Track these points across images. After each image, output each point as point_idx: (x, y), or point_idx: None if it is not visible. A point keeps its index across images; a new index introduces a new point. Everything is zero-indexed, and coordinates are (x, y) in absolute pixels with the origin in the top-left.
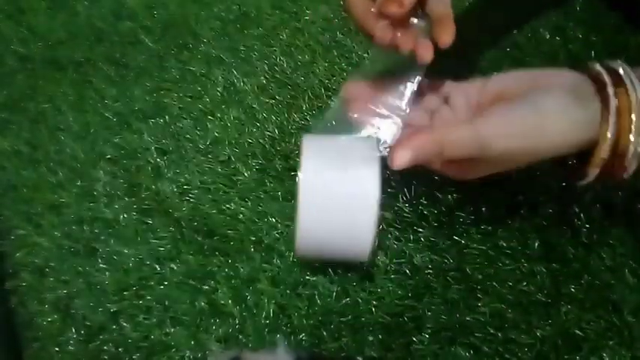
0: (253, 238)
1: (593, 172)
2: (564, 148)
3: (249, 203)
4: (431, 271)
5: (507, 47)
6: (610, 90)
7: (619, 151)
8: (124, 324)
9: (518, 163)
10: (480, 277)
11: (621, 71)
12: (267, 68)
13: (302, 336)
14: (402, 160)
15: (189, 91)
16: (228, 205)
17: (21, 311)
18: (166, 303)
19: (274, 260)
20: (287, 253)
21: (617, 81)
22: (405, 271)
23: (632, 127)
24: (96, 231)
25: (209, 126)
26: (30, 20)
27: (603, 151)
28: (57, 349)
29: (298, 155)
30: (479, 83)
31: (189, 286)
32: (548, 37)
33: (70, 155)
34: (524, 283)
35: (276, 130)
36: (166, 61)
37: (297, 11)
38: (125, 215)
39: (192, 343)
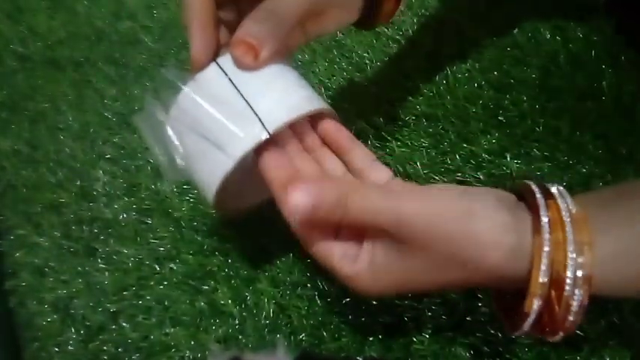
0: (253, 238)
1: (532, 308)
2: (494, 252)
3: None
4: None
5: (507, 47)
6: (540, 201)
7: (556, 273)
8: (124, 324)
9: (443, 279)
10: None
11: (554, 190)
12: None
13: (302, 336)
14: (298, 201)
15: None
16: None
17: (20, 311)
18: (166, 303)
19: (274, 260)
20: (287, 253)
21: (547, 194)
22: None
23: (567, 241)
24: (95, 231)
25: None
26: (30, 20)
27: (542, 272)
28: (56, 349)
29: None
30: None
31: (188, 286)
32: (548, 36)
33: (69, 155)
34: None
35: None
36: (166, 60)
37: None
38: (125, 215)
39: (192, 343)
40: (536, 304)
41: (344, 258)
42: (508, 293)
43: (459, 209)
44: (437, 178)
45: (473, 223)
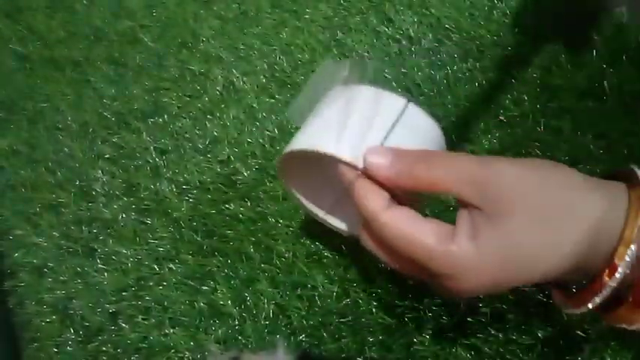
0: (253, 239)
1: (624, 259)
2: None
3: (249, 203)
4: None
5: (508, 46)
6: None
7: None
8: (123, 325)
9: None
10: None
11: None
12: (266, 67)
13: (302, 337)
14: (379, 154)
15: (188, 90)
16: (227, 205)
17: (19, 312)
18: (165, 304)
19: (274, 261)
20: (287, 254)
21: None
22: None
23: None
24: (94, 231)
25: (208, 125)
26: (28, 19)
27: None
28: (55, 349)
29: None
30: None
31: (188, 286)
32: (549, 35)
33: (68, 155)
34: None
35: (275, 130)
36: (165, 60)
37: (296, 10)
38: (124, 215)
39: (192, 344)
40: (629, 253)
41: (440, 236)
42: (574, 283)
43: (550, 176)
44: None
45: (566, 189)
